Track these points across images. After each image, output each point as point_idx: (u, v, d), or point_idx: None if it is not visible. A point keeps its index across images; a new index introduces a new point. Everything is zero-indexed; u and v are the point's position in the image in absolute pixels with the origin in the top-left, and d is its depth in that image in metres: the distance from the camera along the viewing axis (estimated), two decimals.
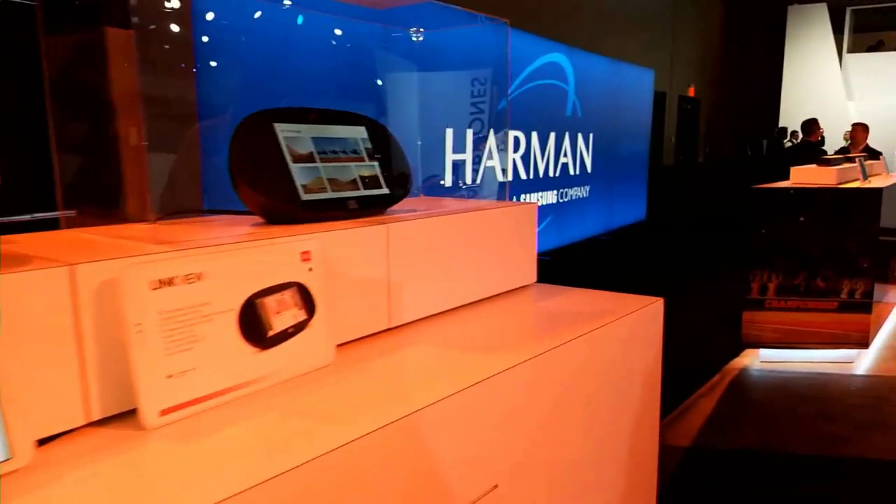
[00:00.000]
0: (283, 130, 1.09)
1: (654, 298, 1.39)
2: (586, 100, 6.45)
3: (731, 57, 13.02)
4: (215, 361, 0.82)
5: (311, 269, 0.95)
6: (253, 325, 0.86)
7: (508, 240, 1.40)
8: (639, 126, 7.86)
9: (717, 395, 4.01)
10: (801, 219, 4.28)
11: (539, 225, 5.68)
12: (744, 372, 4.40)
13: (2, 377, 0.63)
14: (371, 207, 1.20)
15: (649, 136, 8.18)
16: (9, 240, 0.97)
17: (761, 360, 4.51)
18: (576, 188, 6.59)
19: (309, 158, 1.11)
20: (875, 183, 4.56)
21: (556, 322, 1.25)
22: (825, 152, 7.44)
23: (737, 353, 4.59)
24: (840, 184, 4.46)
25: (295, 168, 1.08)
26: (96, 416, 0.75)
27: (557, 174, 6.24)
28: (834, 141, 10.05)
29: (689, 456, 3.16)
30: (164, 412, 0.76)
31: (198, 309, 0.80)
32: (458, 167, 4.81)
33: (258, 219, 1.09)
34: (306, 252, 0.94)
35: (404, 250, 1.14)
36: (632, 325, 1.30)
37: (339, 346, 1.03)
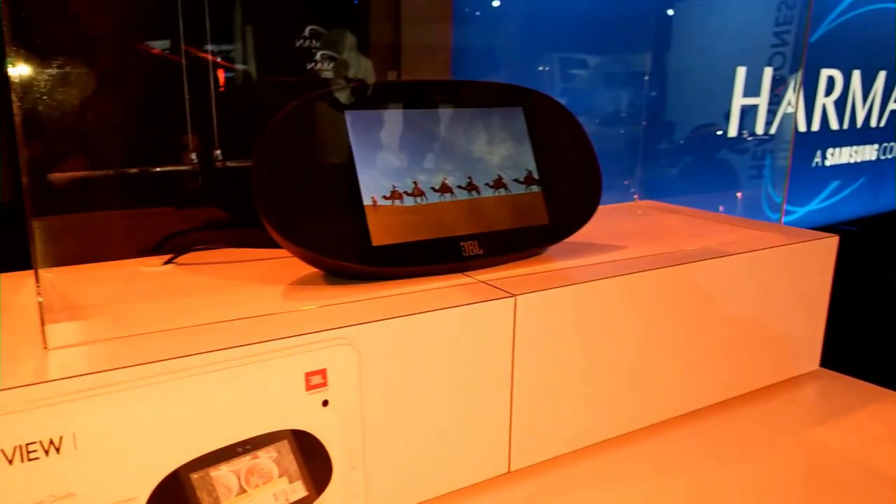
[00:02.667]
0: (358, 121, 0.64)
1: None
2: None
3: None
4: None
5: (325, 404, 0.51)
6: None
7: (775, 301, 0.82)
8: None
9: None
10: None
11: (850, 186, 4.56)
12: None
13: None
14: (513, 250, 0.71)
15: None
16: None
17: None
18: None
19: (402, 171, 0.66)
20: None
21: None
22: None
23: None
24: None
25: (369, 188, 0.63)
26: None
27: (882, 124, 4.98)
28: None
29: None
30: None
31: None
32: (746, 113, 3.94)
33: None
34: (317, 372, 0.50)
35: (549, 332, 0.65)
36: None
37: None
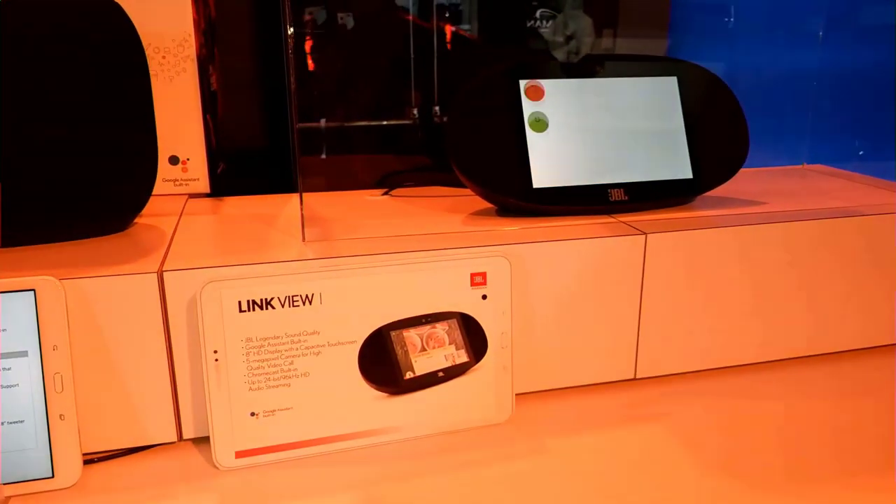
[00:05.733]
0: (529, 89, 0.81)
1: None
2: None
3: None
4: (319, 403, 0.66)
5: (484, 297, 0.70)
6: (381, 364, 0.68)
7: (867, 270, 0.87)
8: None
9: None
10: None
11: None
12: None
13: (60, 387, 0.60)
14: (655, 199, 0.85)
15: None
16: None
17: None
18: None
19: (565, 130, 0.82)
20: None
21: None
22: None
23: None
24: None
25: (535, 141, 0.80)
26: (188, 435, 0.68)
27: None
28: None
29: None
30: (242, 454, 0.65)
31: (302, 339, 0.65)
32: None
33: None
34: (479, 274, 0.69)
35: (674, 267, 0.78)
36: None
37: (539, 393, 0.78)
